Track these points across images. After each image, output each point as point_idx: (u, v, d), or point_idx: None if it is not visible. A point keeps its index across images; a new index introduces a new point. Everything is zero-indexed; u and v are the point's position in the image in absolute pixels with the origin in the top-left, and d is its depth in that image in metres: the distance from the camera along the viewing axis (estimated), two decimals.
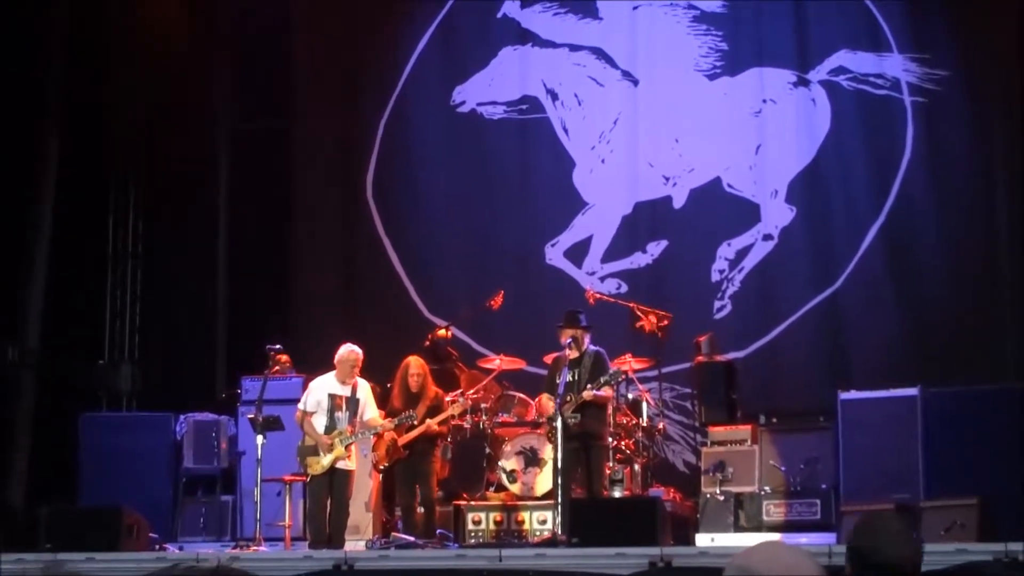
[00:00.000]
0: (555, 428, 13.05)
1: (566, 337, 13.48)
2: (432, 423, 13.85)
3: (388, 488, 14.57)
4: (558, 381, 13.29)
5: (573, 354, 13.43)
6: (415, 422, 13.69)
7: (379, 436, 13.91)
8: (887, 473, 13.33)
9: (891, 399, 13.81)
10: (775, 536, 13.21)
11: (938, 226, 16.10)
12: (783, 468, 14.05)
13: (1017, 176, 15.75)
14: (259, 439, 13.70)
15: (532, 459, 14.39)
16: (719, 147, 16.88)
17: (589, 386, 13.17)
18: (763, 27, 16.91)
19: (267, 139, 18.37)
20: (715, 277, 16.68)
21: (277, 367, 14.74)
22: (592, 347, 13.60)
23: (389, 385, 14.25)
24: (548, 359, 14.53)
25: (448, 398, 14.45)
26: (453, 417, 14.22)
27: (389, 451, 13.87)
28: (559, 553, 11.88)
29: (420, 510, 13.93)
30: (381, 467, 14.10)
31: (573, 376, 13.34)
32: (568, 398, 13.16)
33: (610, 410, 13.87)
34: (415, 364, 14.07)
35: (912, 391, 13.71)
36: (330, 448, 13.38)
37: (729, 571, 3.36)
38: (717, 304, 16.62)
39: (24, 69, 16.51)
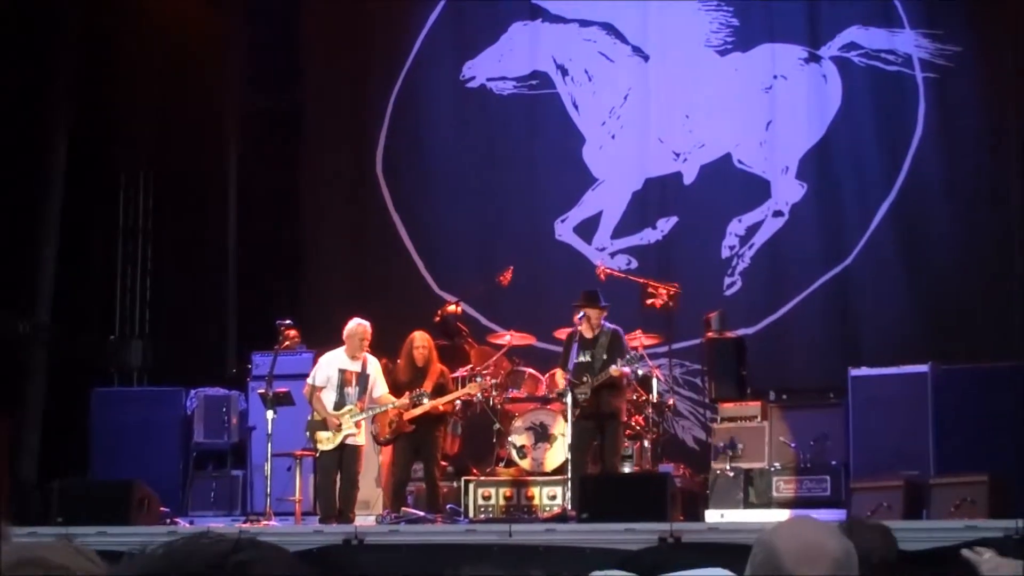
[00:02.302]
0: (567, 404, 13.16)
1: (596, 316, 13.56)
2: (439, 403, 13.85)
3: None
4: (575, 360, 13.43)
5: (588, 333, 13.49)
6: (425, 400, 13.68)
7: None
8: (897, 450, 13.36)
9: (901, 376, 13.84)
10: (786, 513, 13.26)
11: (949, 203, 16.07)
12: (793, 444, 14.07)
13: None
14: (269, 414, 13.74)
15: (542, 434, 14.40)
16: (730, 123, 16.86)
17: (615, 365, 13.22)
18: (774, 3, 16.87)
19: (277, 116, 18.36)
20: (725, 253, 16.67)
21: (287, 342, 14.75)
22: (608, 325, 13.67)
23: (399, 361, 14.26)
24: (560, 334, 14.58)
25: (459, 373, 14.50)
26: (470, 396, 14.25)
27: (392, 424, 13.84)
28: (569, 528, 11.92)
29: (414, 487, 14.04)
30: (382, 439, 14.06)
31: (587, 356, 13.39)
32: (584, 378, 13.24)
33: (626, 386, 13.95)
34: (420, 338, 14.08)
35: (923, 368, 13.73)
36: (338, 427, 13.40)
37: (755, 547, 3.38)
38: (727, 280, 16.61)
39: (35, 45, 16.50)
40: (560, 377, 13.65)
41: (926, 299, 15.93)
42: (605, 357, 13.43)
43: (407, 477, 14.04)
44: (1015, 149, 15.79)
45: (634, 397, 14.41)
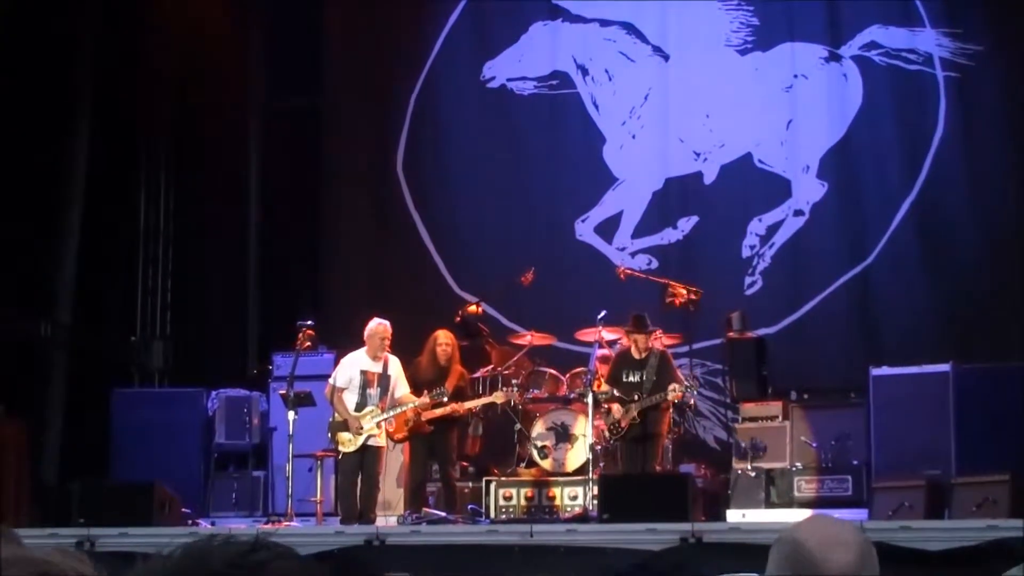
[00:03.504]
0: (616, 424, 13.37)
1: (644, 341, 13.65)
2: (461, 407, 13.86)
3: None
4: (624, 380, 13.60)
5: (636, 354, 13.67)
6: (445, 399, 13.67)
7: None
8: (919, 449, 13.32)
9: (923, 375, 13.80)
10: (807, 512, 13.26)
11: (971, 202, 16.03)
12: (814, 444, 14.05)
13: None
14: (290, 415, 13.74)
15: (563, 435, 14.39)
16: (750, 122, 16.83)
17: (673, 388, 13.37)
18: (795, 2, 16.85)
19: (298, 115, 18.41)
20: (746, 253, 16.64)
21: (308, 343, 14.75)
22: (656, 347, 13.78)
23: (420, 359, 14.25)
24: (581, 335, 14.62)
25: (480, 374, 14.52)
26: (494, 404, 14.27)
27: (409, 423, 13.82)
28: (590, 529, 11.91)
29: (435, 488, 14.07)
30: (397, 438, 14.02)
31: (636, 376, 13.55)
32: (635, 396, 13.35)
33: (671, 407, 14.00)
34: (444, 336, 14.10)
35: (944, 367, 13.69)
36: (359, 429, 13.39)
37: (778, 545, 3.38)
38: (748, 280, 16.58)
39: (56, 47, 16.53)
40: (604, 387, 13.70)
41: (947, 298, 15.90)
42: (655, 379, 13.55)
43: (424, 477, 14.04)
44: None
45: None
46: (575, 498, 13.90)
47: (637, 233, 17.07)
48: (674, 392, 13.41)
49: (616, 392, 13.65)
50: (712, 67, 17.00)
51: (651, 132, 17.19)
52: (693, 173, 16.96)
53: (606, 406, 13.70)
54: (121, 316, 17.91)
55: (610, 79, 17.38)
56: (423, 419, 13.76)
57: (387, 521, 13.49)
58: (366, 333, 13.68)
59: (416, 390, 13.72)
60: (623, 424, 13.50)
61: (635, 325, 13.81)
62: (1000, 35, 16.11)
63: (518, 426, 14.52)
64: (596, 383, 13.86)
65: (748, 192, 16.77)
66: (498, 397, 14.13)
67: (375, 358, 13.63)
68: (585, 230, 17.19)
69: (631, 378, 13.65)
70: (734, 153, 16.84)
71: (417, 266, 17.58)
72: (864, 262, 16.25)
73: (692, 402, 15.11)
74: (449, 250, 17.57)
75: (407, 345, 14.29)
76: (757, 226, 16.66)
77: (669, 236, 16.96)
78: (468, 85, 17.77)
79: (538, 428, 14.47)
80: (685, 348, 15.20)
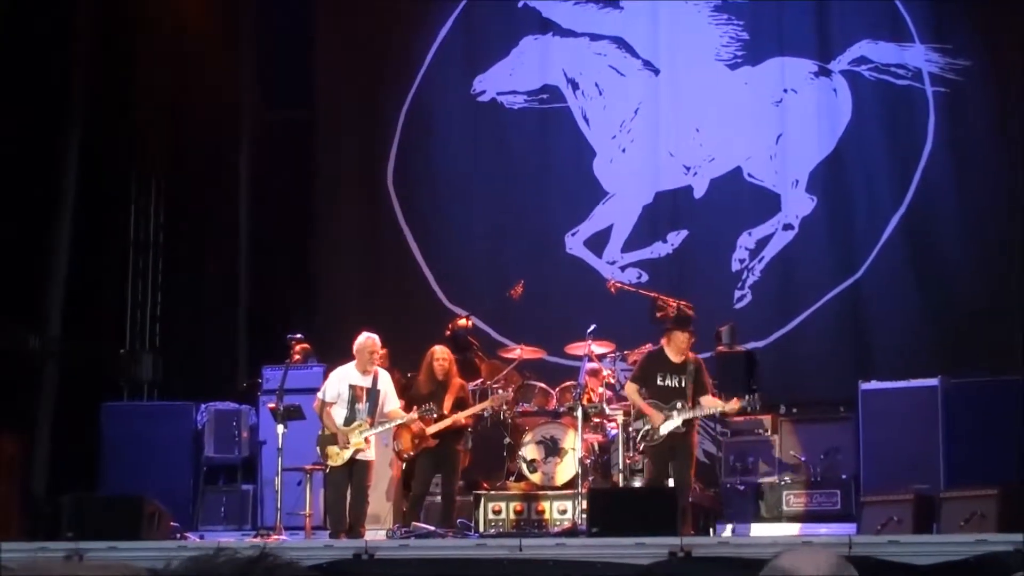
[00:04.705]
0: (653, 433, 13.11)
1: (686, 342, 13.27)
2: (461, 416, 13.85)
3: (409, 477, 14.58)
4: (659, 383, 13.18)
5: (675, 357, 13.24)
6: (436, 415, 13.65)
7: (403, 425, 13.86)
8: (908, 463, 13.35)
9: (912, 389, 13.84)
10: (796, 527, 13.31)
11: (960, 216, 16.08)
12: (803, 458, 14.06)
13: None
14: (280, 428, 13.72)
15: (552, 448, 14.40)
16: (740, 137, 16.87)
17: (734, 401, 13.08)
18: (785, 17, 16.89)
19: (289, 129, 18.39)
20: (735, 267, 16.67)
21: (297, 356, 14.74)
22: (692, 354, 13.49)
23: (410, 375, 14.26)
24: (571, 349, 14.62)
25: (470, 387, 14.51)
26: (485, 410, 14.24)
27: (416, 440, 13.83)
28: (579, 543, 11.91)
29: (436, 500, 14.04)
30: (406, 455, 14.04)
31: (675, 381, 13.20)
32: (678, 404, 13.07)
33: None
34: (441, 351, 14.09)
35: (933, 382, 13.73)
36: (347, 443, 13.38)
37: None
38: (737, 294, 16.61)
39: (47, 57, 16.52)
40: (634, 393, 13.33)
41: (937, 312, 15.93)
42: (694, 386, 13.16)
43: (426, 491, 14.01)
44: None
45: None
46: (564, 512, 13.90)
47: (627, 247, 17.09)
48: (732, 406, 13.07)
49: (641, 392, 13.23)
50: (702, 81, 17.04)
51: (641, 146, 17.22)
52: (683, 187, 17.00)
53: (644, 413, 13.19)
54: (111, 329, 17.87)
55: (600, 93, 17.40)
56: (427, 434, 13.75)
57: (376, 535, 13.47)
58: (355, 347, 13.66)
59: (416, 407, 13.69)
60: (663, 433, 13.09)
61: (678, 322, 13.50)
62: (988, 50, 16.16)
63: (507, 440, 14.54)
64: (585, 396, 13.85)
65: (738, 206, 16.80)
66: (493, 401, 14.14)
67: (364, 372, 13.61)
68: (575, 244, 17.20)
69: (669, 382, 13.15)
70: (724, 167, 16.88)
71: (407, 279, 17.58)
72: (854, 276, 16.29)
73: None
74: (439, 263, 17.58)
75: (397, 358, 14.32)
76: (747, 240, 16.69)
77: (659, 250, 16.99)
78: (458, 99, 17.78)
79: (527, 442, 14.47)
80: None
